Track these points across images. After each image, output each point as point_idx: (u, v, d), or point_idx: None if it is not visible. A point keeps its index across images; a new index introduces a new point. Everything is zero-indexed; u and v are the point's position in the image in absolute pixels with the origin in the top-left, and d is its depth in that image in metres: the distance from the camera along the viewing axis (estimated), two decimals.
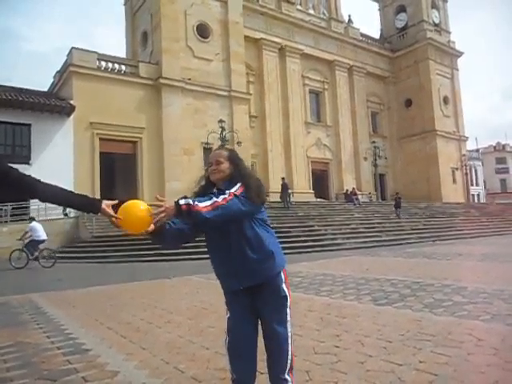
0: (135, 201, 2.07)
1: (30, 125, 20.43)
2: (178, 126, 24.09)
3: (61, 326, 4.62)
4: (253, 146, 28.05)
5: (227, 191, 2.11)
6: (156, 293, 6.91)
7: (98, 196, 21.74)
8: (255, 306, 2.28)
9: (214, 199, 2.03)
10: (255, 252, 2.23)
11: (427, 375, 2.62)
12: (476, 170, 51.71)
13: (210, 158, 2.36)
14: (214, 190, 2.23)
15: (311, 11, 34.90)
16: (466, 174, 39.19)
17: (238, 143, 23.26)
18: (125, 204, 2.04)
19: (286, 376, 2.29)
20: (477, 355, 2.96)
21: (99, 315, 5.09)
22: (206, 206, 1.98)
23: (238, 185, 2.18)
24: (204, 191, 2.29)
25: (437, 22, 40.72)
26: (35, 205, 19.08)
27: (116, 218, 2.04)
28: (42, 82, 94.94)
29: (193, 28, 25.73)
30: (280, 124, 30.62)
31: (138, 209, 2.01)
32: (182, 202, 1.94)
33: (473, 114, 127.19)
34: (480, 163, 54.60)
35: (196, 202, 1.96)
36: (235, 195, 2.09)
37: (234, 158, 2.34)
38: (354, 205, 25.06)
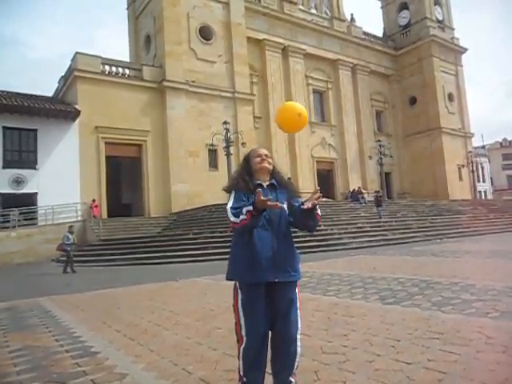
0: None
1: (36, 130, 20.61)
2: (182, 129, 24.17)
3: (69, 329, 4.65)
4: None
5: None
6: (163, 295, 6.93)
7: (104, 199, 21.90)
8: (270, 305, 2.30)
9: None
10: (291, 248, 2.36)
11: (436, 373, 2.60)
12: (482, 167, 51.32)
13: (255, 151, 2.49)
14: (264, 185, 2.38)
15: (313, 11, 34.87)
16: (473, 170, 38.89)
17: (243, 144, 23.27)
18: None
19: (292, 379, 2.30)
20: (486, 353, 2.94)
21: (107, 318, 5.12)
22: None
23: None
24: (249, 185, 2.36)
25: (440, 18, 40.53)
26: (43, 209, 19.26)
27: None
28: (46, 88, 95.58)
29: (195, 30, 25.82)
30: None
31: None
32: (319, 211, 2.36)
33: (478, 110, 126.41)
34: (486, 160, 54.19)
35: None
36: None
37: (272, 159, 2.53)
38: (360, 204, 24.99)
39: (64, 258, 13.64)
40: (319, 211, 2.33)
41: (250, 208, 2.13)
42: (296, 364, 2.33)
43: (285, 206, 2.36)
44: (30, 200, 19.68)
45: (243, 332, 2.28)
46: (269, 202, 2.09)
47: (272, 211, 2.27)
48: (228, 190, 2.42)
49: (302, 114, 2.30)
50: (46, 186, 19.72)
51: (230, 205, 2.30)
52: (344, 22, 36.54)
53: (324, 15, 35.60)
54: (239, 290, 2.32)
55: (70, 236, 13.57)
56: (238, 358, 2.32)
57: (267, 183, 2.41)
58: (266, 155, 2.44)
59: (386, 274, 7.33)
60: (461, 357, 2.88)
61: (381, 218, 20.70)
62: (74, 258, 13.55)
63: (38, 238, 18.06)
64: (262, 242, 2.24)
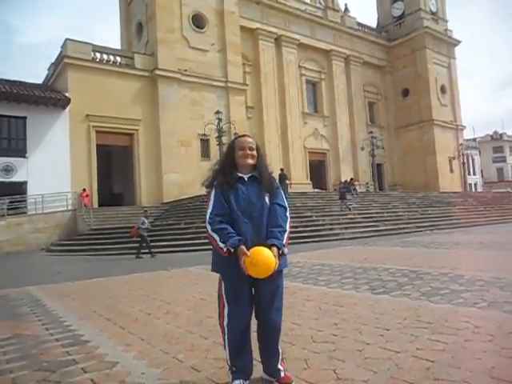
0: (261, 248, 2.22)
1: (25, 118, 20.32)
2: (174, 118, 23.99)
3: (59, 318, 4.63)
4: None
5: (287, 208, 2.40)
6: (154, 284, 6.93)
7: (95, 188, 21.74)
8: (255, 294, 2.33)
9: (287, 231, 2.33)
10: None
11: (424, 362, 2.64)
12: (473, 160, 51.72)
13: (240, 142, 2.41)
14: (245, 177, 2.36)
15: (307, 0, 34.61)
16: (464, 163, 39.23)
17: (235, 134, 22.98)
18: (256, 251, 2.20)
19: (280, 366, 2.36)
20: (473, 342, 2.98)
21: (98, 307, 5.10)
22: (287, 241, 2.32)
23: (283, 196, 2.41)
24: (229, 179, 2.33)
25: (434, 10, 40.47)
26: (32, 198, 19.08)
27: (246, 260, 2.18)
28: (36, 75, 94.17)
29: (188, 18, 25.51)
30: (277, 115, 30.52)
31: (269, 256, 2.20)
32: (286, 251, 2.28)
33: (470, 103, 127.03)
34: (477, 152, 54.63)
35: (284, 246, 2.27)
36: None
37: (259, 149, 2.45)
38: (352, 195, 25.08)
39: (137, 244, 13.12)
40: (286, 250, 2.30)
41: (231, 249, 2.17)
42: (281, 351, 2.38)
43: (267, 198, 2.35)
44: (19, 189, 19.46)
45: (225, 322, 2.32)
46: (243, 264, 2.14)
47: (251, 204, 2.29)
48: (208, 186, 2.42)
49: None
50: (35, 175, 19.50)
51: (209, 210, 2.31)
52: (338, 13, 36.34)
53: (318, 5, 35.36)
54: (223, 281, 2.35)
55: (146, 220, 13.25)
56: (224, 348, 2.36)
57: (249, 175, 2.39)
58: (250, 148, 2.38)
59: (377, 265, 7.39)
60: (448, 345, 2.92)
61: (350, 210, 19.64)
62: (67, 248, 13.46)
63: (27, 227, 17.92)
64: (244, 235, 2.25)
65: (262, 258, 2.14)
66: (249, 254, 2.15)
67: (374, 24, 41.51)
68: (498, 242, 10.92)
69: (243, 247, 2.17)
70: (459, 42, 41.73)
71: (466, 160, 40.69)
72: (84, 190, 20.67)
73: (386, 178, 38.25)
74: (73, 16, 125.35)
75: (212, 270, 2.40)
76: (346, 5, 37.48)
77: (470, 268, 6.62)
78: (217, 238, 2.22)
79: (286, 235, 2.31)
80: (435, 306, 4.14)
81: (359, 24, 37.99)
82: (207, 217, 2.31)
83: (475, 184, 49.97)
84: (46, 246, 17.43)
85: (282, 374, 2.35)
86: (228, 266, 2.26)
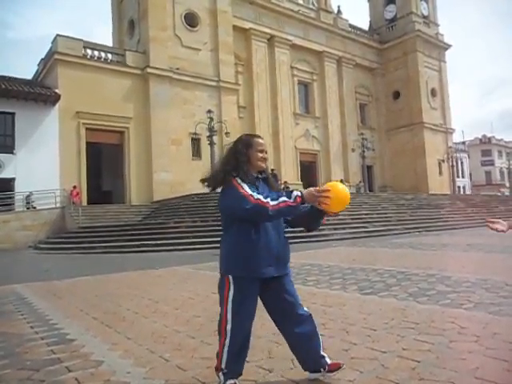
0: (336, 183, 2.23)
1: (14, 114, 20.07)
2: (165, 116, 23.88)
3: (45, 316, 4.57)
4: None
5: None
6: (142, 283, 6.88)
7: (84, 186, 21.55)
8: (267, 296, 2.34)
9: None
10: (287, 242, 2.37)
11: (410, 362, 2.65)
12: (462, 162, 52.29)
13: (258, 144, 2.32)
14: (260, 177, 2.32)
15: (300, 1, 34.72)
16: (453, 166, 39.61)
17: (227, 134, 23.12)
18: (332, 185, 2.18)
19: (322, 352, 2.44)
20: (459, 342, 3.01)
21: (84, 305, 5.05)
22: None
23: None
24: (249, 178, 2.24)
25: (425, 14, 40.82)
26: (20, 194, 18.86)
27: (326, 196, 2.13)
28: (24, 70, 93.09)
29: (181, 16, 25.41)
30: (269, 115, 30.55)
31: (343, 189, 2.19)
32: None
33: (459, 106, 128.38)
34: (466, 155, 55.24)
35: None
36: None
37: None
38: None
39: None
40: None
41: (299, 193, 2.11)
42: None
43: None
44: (6, 185, 19.20)
45: (228, 327, 2.23)
46: (320, 195, 2.09)
47: None
48: (217, 185, 2.28)
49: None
50: (24, 172, 19.27)
51: (248, 191, 2.14)
52: (331, 14, 36.49)
53: (311, 6, 35.47)
54: (232, 285, 2.23)
55: None
56: (221, 351, 2.27)
57: (262, 176, 2.35)
58: (266, 151, 2.36)
59: (365, 266, 7.43)
60: (434, 346, 2.94)
61: None
62: (55, 246, 13.33)
63: (14, 225, 17.69)
64: (268, 238, 2.21)
65: (342, 187, 2.17)
66: (327, 187, 2.14)
67: (366, 26, 41.75)
68: (485, 244, 11.03)
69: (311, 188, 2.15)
70: (450, 45, 42.15)
71: (455, 163, 41.11)
72: (74, 187, 20.47)
73: (377, 180, 38.50)
74: (65, 12, 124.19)
75: (225, 273, 2.27)
76: (338, 7, 37.69)
77: (456, 269, 6.68)
78: (285, 199, 2.10)
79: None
80: (422, 307, 4.17)
81: (351, 26, 38.21)
82: (256, 196, 2.11)
83: (464, 187, 50.51)
84: (34, 243, 17.22)
85: (329, 361, 2.38)
86: (250, 268, 2.18)
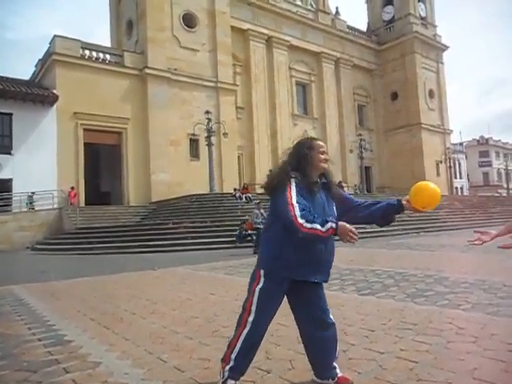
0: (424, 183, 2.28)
1: (11, 114, 20.01)
2: (163, 117, 23.85)
3: (43, 317, 4.56)
4: (239, 138, 27.97)
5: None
6: (141, 284, 6.87)
7: (82, 187, 21.51)
8: (296, 299, 2.36)
9: None
10: (334, 250, 2.40)
11: (407, 363, 2.65)
12: (460, 163, 52.40)
13: (319, 146, 2.33)
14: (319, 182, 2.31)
15: (298, 2, 34.76)
16: (450, 167, 39.69)
17: (225, 134, 23.16)
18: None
19: (335, 363, 2.40)
20: (457, 343, 3.01)
21: (82, 306, 5.04)
22: None
23: None
24: (310, 182, 2.25)
25: (423, 15, 40.93)
26: (17, 196, 18.81)
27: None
28: (22, 71, 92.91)
29: (179, 17, 25.41)
30: (267, 116, 30.56)
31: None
32: None
33: (457, 107, 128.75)
34: (464, 156, 55.35)
35: None
36: None
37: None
38: None
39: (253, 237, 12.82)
40: None
41: (334, 226, 2.08)
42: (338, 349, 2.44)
43: (334, 208, 2.34)
44: (4, 186, 19.15)
45: (250, 318, 2.24)
46: (351, 235, 2.07)
47: (325, 212, 2.24)
48: (277, 185, 2.23)
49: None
50: (21, 172, 19.21)
51: (294, 198, 2.14)
52: (329, 15, 36.55)
53: (309, 7, 35.52)
54: (262, 278, 2.25)
55: (262, 211, 12.88)
56: (236, 341, 2.26)
57: (322, 181, 2.33)
58: (326, 153, 2.35)
59: (363, 266, 7.44)
60: (432, 347, 2.94)
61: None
62: (53, 246, 13.29)
63: (12, 225, 17.64)
64: (316, 243, 2.20)
65: (433, 186, 2.23)
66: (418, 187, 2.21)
67: (364, 27, 41.84)
68: (483, 245, 11.05)
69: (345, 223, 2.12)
70: (447, 47, 42.27)
71: (452, 164, 41.18)
72: (72, 188, 20.44)
73: (375, 181, 38.55)
74: (65, 12, 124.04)
75: (262, 268, 2.27)
76: (336, 8, 37.76)
77: (454, 270, 6.69)
78: (318, 227, 2.08)
79: None
80: (420, 308, 4.17)
81: (349, 27, 38.27)
82: (295, 205, 2.11)
83: (461, 188, 50.61)
84: (31, 244, 17.18)
85: (339, 373, 2.36)
86: (280, 266, 2.20)
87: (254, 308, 2.24)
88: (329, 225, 2.07)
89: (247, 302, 2.28)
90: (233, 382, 2.24)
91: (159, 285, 6.73)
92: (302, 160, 2.27)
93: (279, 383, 2.44)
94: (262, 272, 2.26)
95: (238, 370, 2.27)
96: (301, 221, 2.07)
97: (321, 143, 2.36)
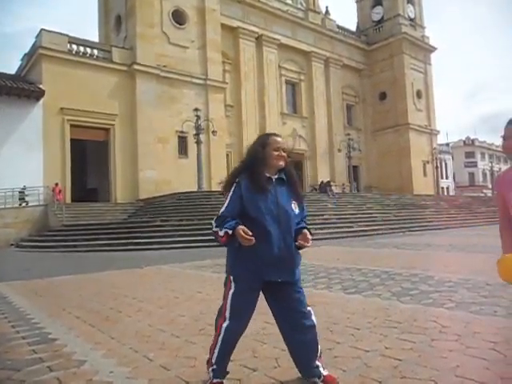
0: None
1: None
2: (152, 114, 23.69)
3: (27, 315, 4.50)
4: (228, 136, 27.93)
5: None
6: (127, 282, 6.83)
7: (68, 183, 21.25)
8: (273, 302, 2.33)
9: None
10: (295, 248, 2.29)
11: (392, 360, 2.68)
12: (446, 164, 53.09)
13: (275, 142, 2.30)
14: (273, 178, 2.27)
15: (289, 1, 34.80)
16: (437, 167, 40.18)
17: (213, 132, 23.11)
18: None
19: (317, 362, 2.37)
20: (440, 341, 3.05)
21: (67, 305, 4.99)
22: None
23: (305, 207, 2.43)
24: (259, 179, 2.20)
25: (412, 16, 41.30)
26: (2, 192, 18.50)
27: None
28: (7, 65, 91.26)
29: (168, 14, 25.23)
30: (256, 114, 30.55)
31: None
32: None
33: (444, 108, 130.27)
34: (450, 157, 56.09)
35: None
36: None
37: (288, 151, 2.37)
38: (328, 196, 25.35)
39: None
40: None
41: (229, 232, 2.08)
42: (319, 349, 2.39)
43: (293, 205, 2.29)
44: None
45: (224, 325, 2.25)
46: (245, 239, 2.04)
47: (280, 207, 2.21)
48: (227, 186, 2.27)
49: None
50: (6, 168, 18.88)
51: (226, 202, 2.22)
52: (319, 15, 36.65)
53: (299, 6, 35.58)
54: (233, 283, 2.26)
55: None
56: (214, 346, 2.28)
57: (276, 176, 2.29)
58: (283, 149, 2.29)
59: (350, 265, 7.49)
60: (416, 345, 2.98)
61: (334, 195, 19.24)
62: (38, 244, 13.11)
63: None
64: (271, 240, 2.17)
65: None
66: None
67: (354, 27, 42.05)
68: (468, 244, 11.23)
69: (242, 227, 2.06)
70: (435, 48, 42.73)
71: (439, 164, 41.70)
72: (56, 184, 20.15)
73: (362, 180, 38.84)
74: (51, 6, 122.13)
75: (229, 274, 2.29)
76: (326, 7, 37.89)
77: (439, 269, 6.78)
78: (218, 230, 2.13)
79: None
80: (405, 306, 4.22)
81: (339, 27, 38.45)
82: (219, 213, 2.20)
83: (447, 188, 51.27)
84: (16, 241, 16.93)
85: (324, 372, 2.34)
86: (250, 272, 2.20)
87: (227, 314, 2.25)
88: (223, 231, 2.10)
89: (222, 307, 2.30)
90: (219, 380, 2.29)
91: (146, 283, 6.69)
92: (253, 158, 2.27)
93: (265, 381, 2.45)
94: (231, 278, 2.28)
95: (220, 371, 2.31)
96: (213, 223, 2.18)
97: (277, 139, 2.32)
